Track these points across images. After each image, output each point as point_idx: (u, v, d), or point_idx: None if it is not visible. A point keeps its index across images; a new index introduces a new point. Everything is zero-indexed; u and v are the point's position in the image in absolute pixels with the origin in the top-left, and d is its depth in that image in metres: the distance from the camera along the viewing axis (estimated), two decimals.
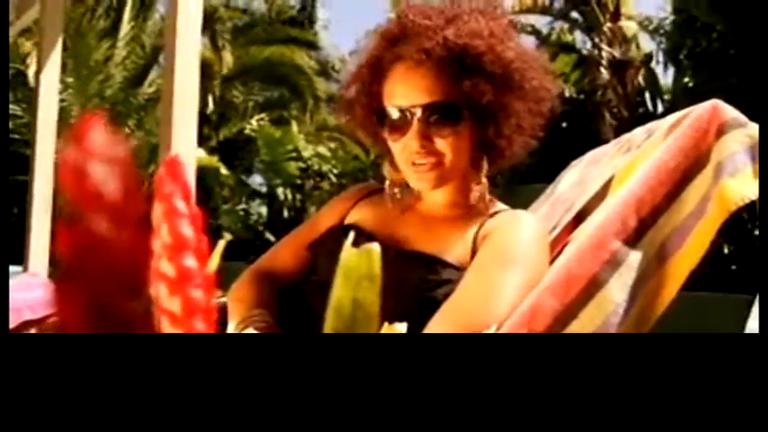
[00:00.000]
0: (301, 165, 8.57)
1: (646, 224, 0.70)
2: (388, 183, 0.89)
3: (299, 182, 8.70)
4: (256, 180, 9.34)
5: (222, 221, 7.94)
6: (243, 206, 8.89)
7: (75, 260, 0.15)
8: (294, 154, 8.42)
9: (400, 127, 0.81)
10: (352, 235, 0.37)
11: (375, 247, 0.35)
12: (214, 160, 7.84)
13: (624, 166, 0.85)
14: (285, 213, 8.79)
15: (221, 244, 0.37)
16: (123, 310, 0.15)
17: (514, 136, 0.83)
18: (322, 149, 8.92)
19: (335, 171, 8.72)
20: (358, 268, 0.34)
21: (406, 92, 0.81)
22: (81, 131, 0.16)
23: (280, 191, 8.75)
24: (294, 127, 8.69)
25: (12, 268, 4.22)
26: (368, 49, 0.88)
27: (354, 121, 0.92)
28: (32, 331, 1.20)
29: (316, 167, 8.63)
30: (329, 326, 0.34)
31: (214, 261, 0.32)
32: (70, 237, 0.15)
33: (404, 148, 0.82)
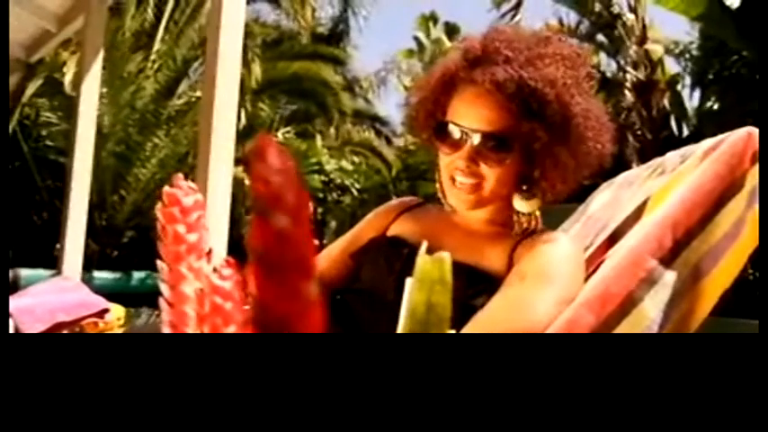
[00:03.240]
0: (324, 178, 8.66)
1: (681, 245, 0.73)
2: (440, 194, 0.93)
3: (321, 195, 8.79)
4: None
5: (244, 231, 8.05)
6: None
7: (267, 248, 0.19)
8: (317, 167, 8.53)
9: (454, 144, 0.85)
10: (425, 244, 0.41)
11: (446, 255, 0.38)
12: (239, 171, 7.98)
13: (659, 188, 0.88)
14: None
15: None
16: (305, 288, 0.20)
17: (558, 184, 0.87)
18: (345, 163, 9.01)
19: (357, 185, 8.79)
20: (431, 274, 0.38)
21: (469, 114, 0.84)
22: (261, 150, 0.21)
23: None
24: (318, 141, 8.81)
25: (42, 272, 4.33)
26: (446, 62, 0.91)
27: (413, 124, 0.96)
28: (64, 333, 1.25)
29: (338, 181, 8.71)
30: (404, 328, 0.37)
31: None
32: (262, 230, 0.19)
33: (450, 164, 0.86)
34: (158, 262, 0.39)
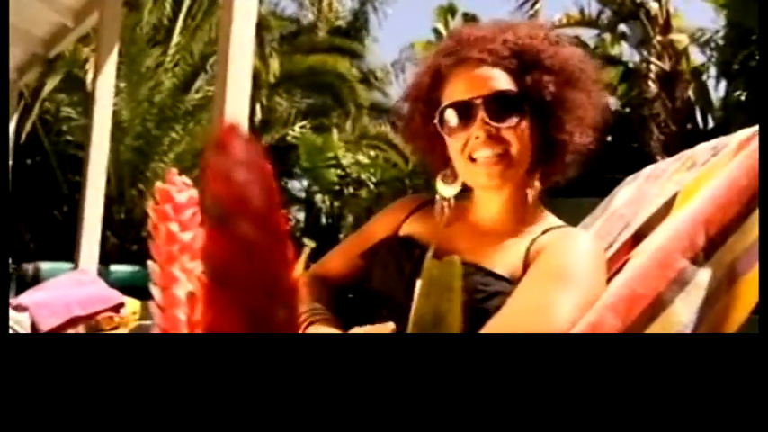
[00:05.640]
0: (340, 172, 8.66)
1: (715, 243, 0.68)
2: (438, 197, 0.89)
3: (337, 189, 8.78)
4: (295, 186, 9.48)
5: None
6: None
7: (226, 263, 0.15)
8: (334, 161, 8.52)
9: (462, 122, 0.82)
10: (432, 248, 0.37)
11: (456, 259, 0.35)
12: None
13: (689, 183, 0.83)
14: (323, 220, 8.88)
15: (306, 251, 0.38)
16: (270, 315, 0.16)
17: (576, 132, 0.84)
18: (361, 157, 8.99)
19: (374, 179, 8.77)
20: (439, 280, 0.34)
21: (468, 86, 0.82)
22: (224, 140, 0.17)
23: (318, 197, 8.85)
24: (335, 135, 8.80)
25: (62, 265, 4.39)
26: (425, 64, 0.90)
27: (410, 132, 0.92)
28: (80, 327, 1.24)
29: (354, 175, 8.70)
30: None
31: (299, 267, 0.32)
32: (219, 241, 0.16)
33: (467, 143, 0.82)
34: (149, 263, 0.36)
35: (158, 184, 0.37)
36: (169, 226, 0.37)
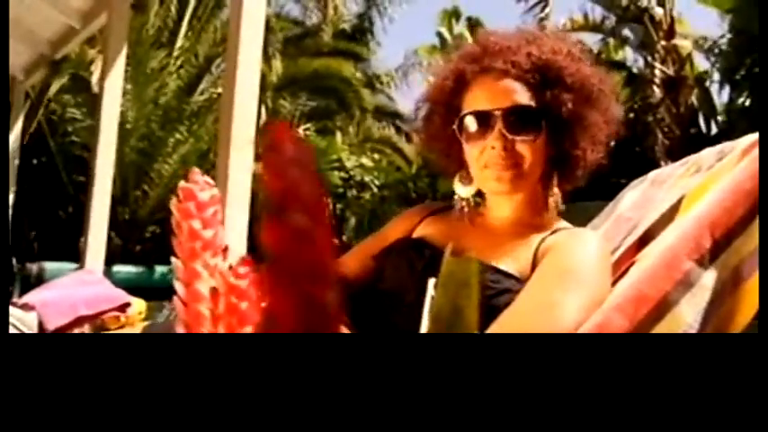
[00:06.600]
0: (344, 175, 8.68)
1: (720, 246, 0.69)
2: (457, 197, 0.92)
3: (340, 191, 8.80)
4: None
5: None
6: None
7: (282, 251, 0.17)
8: (337, 164, 8.55)
9: (481, 130, 0.84)
10: (450, 246, 0.38)
11: (473, 256, 0.36)
12: (259, 167, 8.03)
13: (695, 187, 0.84)
14: None
15: None
16: (321, 298, 0.17)
17: (589, 148, 0.86)
18: (365, 160, 9.02)
19: (377, 182, 8.79)
20: (457, 276, 0.36)
21: (489, 97, 0.84)
22: (277, 140, 0.18)
23: None
24: (338, 137, 8.83)
25: (66, 265, 4.41)
26: (448, 67, 0.92)
27: (429, 134, 0.94)
28: (86, 327, 1.26)
29: (358, 178, 8.72)
30: (428, 330, 0.35)
31: None
32: (276, 231, 0.17)
33: (483, 152, 0.85)
34: (173, 259, 0.37)
35: (182, 182, 0.39)
36: (192, 223, 0.38)
